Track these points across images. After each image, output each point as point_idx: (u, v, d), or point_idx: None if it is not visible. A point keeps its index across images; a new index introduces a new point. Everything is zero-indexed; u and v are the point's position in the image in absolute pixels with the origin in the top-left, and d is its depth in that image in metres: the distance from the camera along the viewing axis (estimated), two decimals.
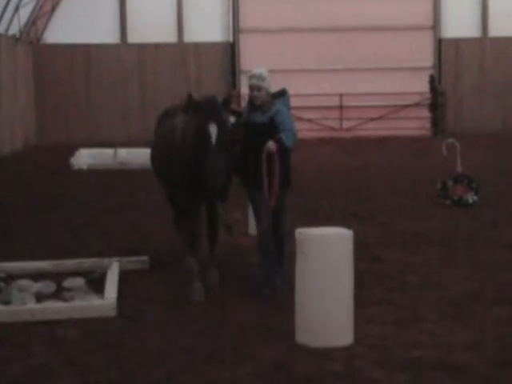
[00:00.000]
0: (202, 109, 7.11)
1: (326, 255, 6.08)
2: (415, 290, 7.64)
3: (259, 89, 7.37)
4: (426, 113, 26.98)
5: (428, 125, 26.96)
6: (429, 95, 26.86)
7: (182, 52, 26.73)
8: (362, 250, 8.49)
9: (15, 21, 23.14)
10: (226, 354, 5.97)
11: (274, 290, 7.42)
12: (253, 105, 7.46)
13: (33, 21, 25.48)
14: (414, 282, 7.92)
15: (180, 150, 7.42)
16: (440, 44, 27.29)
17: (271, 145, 7.20)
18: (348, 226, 6.64)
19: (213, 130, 7.00)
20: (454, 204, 12.32)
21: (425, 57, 27.32)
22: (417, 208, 12.24)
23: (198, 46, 26.81)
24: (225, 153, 7.06)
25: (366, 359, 5.83)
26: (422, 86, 26.82)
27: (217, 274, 7.80)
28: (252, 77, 7.44)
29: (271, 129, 7.29)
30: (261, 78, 7.38)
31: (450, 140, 13.18)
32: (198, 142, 7.09)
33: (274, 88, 7.53)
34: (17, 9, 22.77)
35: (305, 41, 26.83)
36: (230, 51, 26.98)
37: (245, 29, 27.01)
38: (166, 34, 26.70)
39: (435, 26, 27.33)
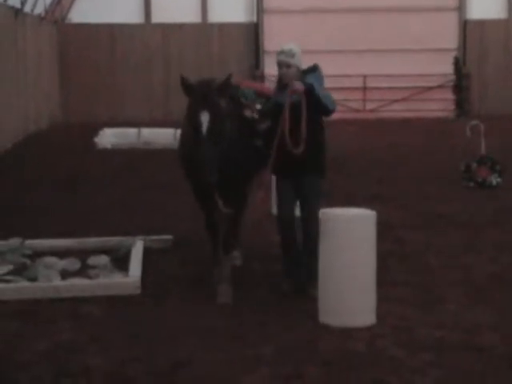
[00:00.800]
0: (194, 94, 6.46)
1: (349, 236, 6.09)
2: (438, 272, 7.64)
3: (288, 66, 6.76)
4: (450, 95, 26.78)
5: (452, 107, 26.78)
6: (453, 77, 26.65)
7: (205, 32, 26.67)
8: (385, 231, 8.48)
9: (40, 0, 23.21)
10: (249, 332, 6.01)
11: (296, 286, 6.94)
12: (281, 84, 6.87)
13: (58, 0, 25.53)
14: (437, 264, 7.92)
15: (186, 138, 6.96)
16: (465, 25, 27.02)
17: (298, 83, 6.57)
18: (371, 207, 6.64)
19: (204, 118, 6.32)
20: (477, 186, 12.27)
21: (450, 38, 27.07)
22: (440, 190, 12.20)
23: (221, 27, 26.73)
24: (220, 144, 6.36)
25: (388, 339, 5.86)
26: (446, 67, 26.60)
27: (238, 254, 7.66)
28: (280, 53, 6.79)
29: (313, 112, 6.63)
30: (290, 53, 6.75)
31: (474, 122, 13.10)
32: (190, 131, 6.51)
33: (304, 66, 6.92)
34: None
35: (328, 21, 26.66)
36: (253, 32, 26.89)
37: (268, 9, 26.89)
38: (190, 14, 26.65)
39: (460, 7, 27.04)
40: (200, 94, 6.40)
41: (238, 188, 7.06)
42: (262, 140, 6.92)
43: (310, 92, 6.55)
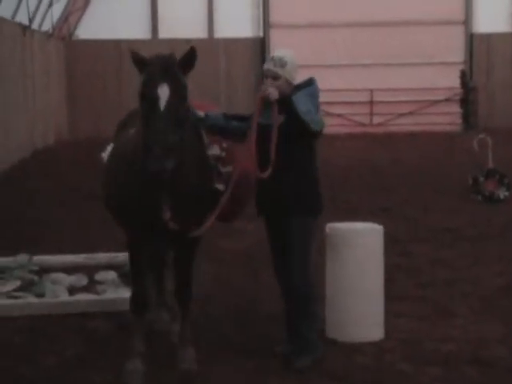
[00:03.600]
0: (150, 67, 5.03)
1: (356, 250, 6.08)
2: (446, 285, 7.62)
3: (276, 77, 5.45)
4: (456, 108, 26.80)
5: (459, 120, 26.79)
6: (460, 90, 26.67)
7: (212, 47, 26.78)
8: (392, 245, 8.47)
9: (48, 17, 23.38)
10: (256, 345, 6.00)
11: (286, 354, 5.72)
12: (267, 100, 5.38)
13: (65, 17, 25.70)
14: (445, 277, 7.90)
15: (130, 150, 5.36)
16: (472, 39, 27.07)
17: (272, 89, 5.32)
18: (378, 221, 6.64)
19: (162, 92, 4.90)
20: (485, 199, 12.25)
21: (456, 52, 27.11)
22: (448, 203, 12.19)
23: (228, 42, 26.86)
24: (179, 132, 4.88)
25: (395, 353, 5.84)
26: (453, 81, 26.63)
27: (193, 352, 5.63)
28: (269, 60, 5.54)
29: (292, 133, 5.36)
30: (280, 62, 5.45)
31: (481, 135, 13.10)
32: (141, 113, 5.01)
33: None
34: (50, 5, 22.99)
35: (335, 36, 26.76)
36: (260, 46, 26.99)
37: (275, 24, 27.00)
38: (196, 30, 26.78)
39: (467, 20, 27.10)
40: (157, 66, 5.01)
41: (187, 233, 5.40)
42: (225, 184, 5.56)
43: (286, 103, 5.29)
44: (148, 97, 4.92)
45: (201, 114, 5.58)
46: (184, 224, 5.24)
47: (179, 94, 4.94)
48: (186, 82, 5.07)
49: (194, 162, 5.28)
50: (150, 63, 5.04)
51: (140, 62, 5.08)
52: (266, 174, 5.37)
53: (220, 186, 5.55)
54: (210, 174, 5.51)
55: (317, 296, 5.82)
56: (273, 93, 5.30)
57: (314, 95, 5.53)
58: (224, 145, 5.65)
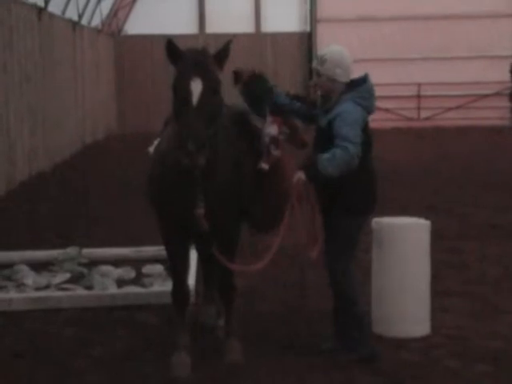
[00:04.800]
0: (184, 60, 5.00)
1: (403, 245, 6.05)
2: (494, 282, 7.55)
3: (318, 74, 5.53)
4: (506, 102, 26.45)
5: (508, 114, 26.45)
6: (509, 84, 26.32)
7: (259, 42, 26.81)
8: (439, 241, 8.41)
9: (97, 13, 23.64)
10: (302, 342, 6.01)
11: (332, 351, 5.74)
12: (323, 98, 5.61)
13: (114, 13, 25.95)
14: (493, 274, 7.82)
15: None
16: None
17: (298, 176, 5.38)
18: (426, 217, 6.58)
19: (195, 86, 4.88)
20: None
21: (505, 45, 26.77)
22: (496, 199, 12.05)
23: (275, 36, 26.86)
24: (213, 126, 4.92)
25: (443, 349, 5.80)
26: (502, 75, 26.29)
27: (239, 344, 5.73)
28: (315, 57, 5.67)
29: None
30: (320, 60, 5.50)
31: None
32: (174, 107, 5.00)
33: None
34: (99, 1, 23.25)
35: (382, 30, 26.61)
36: (307, 41, 26.94)
37: (322, 18, 26.93)
38: (243, 24, 26.84)
39: None
40: (191, 59, 4.98)
41: (226, 230, 5.56)
42: (270, 165, 5.59)
43: (314, 174, 5.31)
44: (181, 91, 4.90)
45: (270, 83, 5.65)
46: (217, 219, 5.26)
47: (212, 88, 4.92)
48: (219, 76, 5.02)
49: (231, 157, 5.30)
50: (184, 54, 5.01)
51: (175, 53, 5.02)
52: (315, 255, 5.56)
53: (265, 166, 5.52)
54: (250, 169, 5.49)
55: (360, 295, 5.75)
56: (300, 178, 5.36)
57: (363, 97, 5.45)
58: (284, 128, 5.65)
